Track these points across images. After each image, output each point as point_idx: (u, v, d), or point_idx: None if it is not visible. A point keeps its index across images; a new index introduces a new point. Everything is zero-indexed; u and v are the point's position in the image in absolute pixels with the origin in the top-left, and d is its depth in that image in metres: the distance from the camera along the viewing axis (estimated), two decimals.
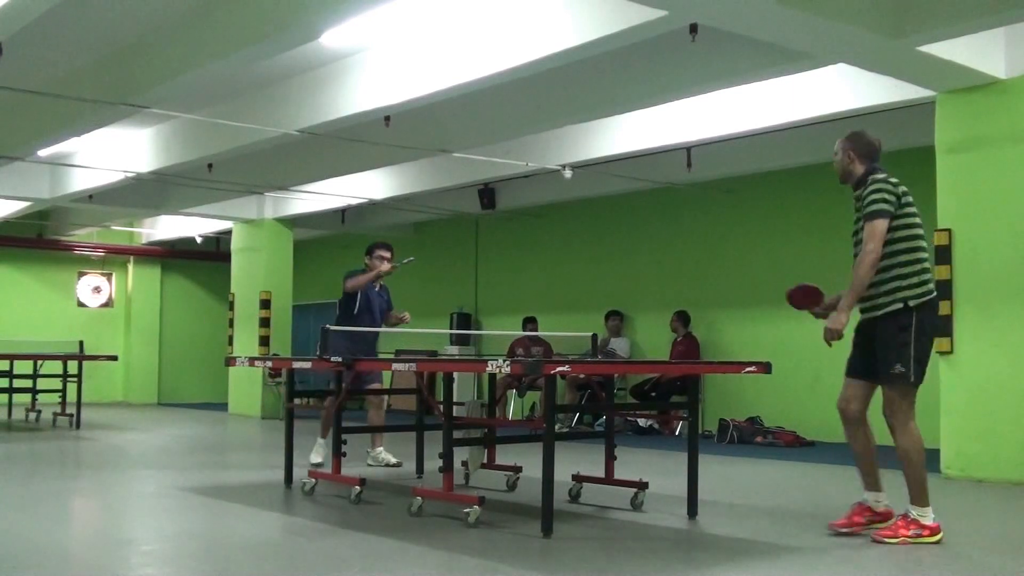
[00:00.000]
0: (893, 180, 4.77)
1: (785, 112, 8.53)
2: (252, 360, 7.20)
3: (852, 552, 4.61)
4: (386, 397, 8.00)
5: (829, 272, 11.19)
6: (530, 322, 13.09)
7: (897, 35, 6.32)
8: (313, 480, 6.29)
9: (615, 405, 7.50)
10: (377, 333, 7.89)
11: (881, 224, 4.63)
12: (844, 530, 4.86)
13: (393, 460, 7.78)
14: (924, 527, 4.62)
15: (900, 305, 4.47)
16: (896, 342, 4.50)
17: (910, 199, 4.74)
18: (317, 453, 7.76)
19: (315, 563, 4.30)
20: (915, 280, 4.60)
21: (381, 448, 7.87)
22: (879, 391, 4.80)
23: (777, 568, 4.30)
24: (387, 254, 8.02)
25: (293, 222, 15.17)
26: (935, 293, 4.60)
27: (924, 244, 4.69)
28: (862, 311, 4.87)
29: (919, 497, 4.65)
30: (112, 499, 6.48)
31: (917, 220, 4.73)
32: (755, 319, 11.43)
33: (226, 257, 16.15)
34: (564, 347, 12.28)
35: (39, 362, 12.35)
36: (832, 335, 4.85)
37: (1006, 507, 6.29)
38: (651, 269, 12.66)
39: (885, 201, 4.63)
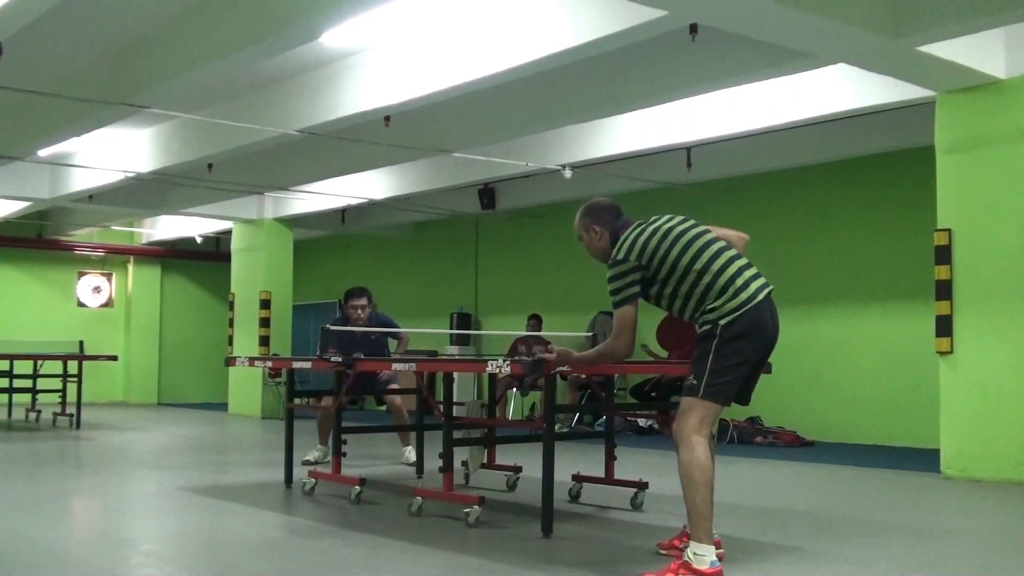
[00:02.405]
0: (635, 234, 4.08)
1: (785, 112, 8.53)
2: (252, 360, 7.20)
3: (852, 552, 4.61)
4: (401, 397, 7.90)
5: (829, 271, 11.25)
6: (533, 318, 13.07)
7: (897, 35, 6.32)
8: (313, 480, 6.29)
9: (615, 405, 7.49)
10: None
11: (628, 311, 4.01)
12: (663, 552, 4.39)
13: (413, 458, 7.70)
14: (698, 572, 3.72)
15: (709, 326, 3.94)
16: (696, 355, 3.97)
17: (661, 235, 4.05)
18: (312, 453, 7.76)
19: (315, 563, 4.30)
20: (720, 302, 3.96)
21: (410, 447, 7.79)
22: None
23: (777, 568, 4.30)
24: (362, 302, 7.83)
25: (293, 222, 15.17)
26: (748, 307, 3.93)
27: (714, 266, 4.00)
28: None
29: (697, 530, 3.79)
30: (112, 499, 6.48)
31: (689, 250, 4.02)
32: None
33: (226, 257, 16.16)
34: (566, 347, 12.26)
35: (39, 362, 12.35)
36: (552, 361, 4.40)
37: (1006, 507, 6.29)
38: None
39: (621, 279, 4.02)
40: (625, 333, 4.02)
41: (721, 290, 3.98)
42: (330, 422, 7.25)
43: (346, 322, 7.86)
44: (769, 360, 5.51)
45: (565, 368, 4.54)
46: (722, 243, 4.14)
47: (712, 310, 3.97)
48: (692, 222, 4.20)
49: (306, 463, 7.54)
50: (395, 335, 8.13)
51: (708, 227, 4.22)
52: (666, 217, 4.20)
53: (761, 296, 4.00)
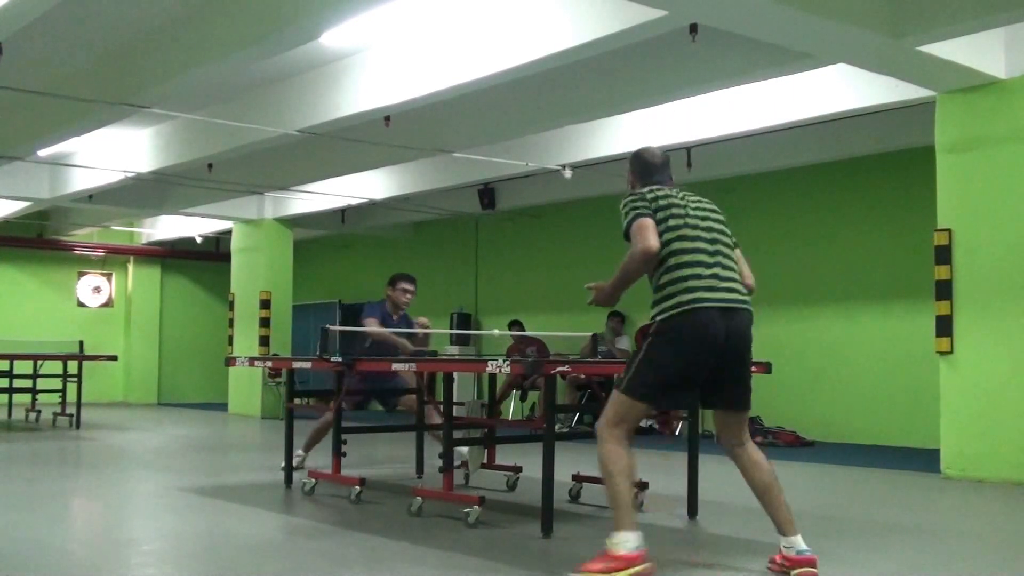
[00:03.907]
0: (651, 192, 4.08)
1: (785, 112, 8.53)
2: (252, 360, 7.20)
3: (852, 552, 4.61)
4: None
5: (829, 271, 11.24)
6: (515, 325, 13.09)
7: (897, 35, 6.32)
8: (313, 480, 6.29)
9: None
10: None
11: (642, 222, 3.94)
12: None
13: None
14: (616, 558, 3.75)
15: (650, 322, 3.96)
16: (635, 351, 3.96)
17: (674, 207, 4.03)
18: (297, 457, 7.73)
19: (315, 563, 4.30)
20: (670, 293, 3.95)
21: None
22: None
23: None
24: (411, 287, 7.73)
25: (293, 222, 15.17)
26: (691, 306, 3.89)
27: (685, 247, 3.98)
28: None
29: (617, 519, 3.83)
30: (112, 499, 6.48)
31: (679, 231, 4.00)
32: (755, 319, 11.42)
33: (226, 257, 16.16)
34: (564, 347, 12.27)
35: (39, 362, 12.34)
36: (594, 296, 4.29)
37: (1006, 507, 6.29)
38: None
39: (635, 208, 3.99)
40: (640, 233, 3.91)
41: (682, 282, 3.94)
42: (325, 434, 7.30)
43: (384, 306, 7.75)
44: (769, 360, 5.53)
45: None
46: (722, 244, 4.10)
47: (658, 301, 3.97)
48: (712, 212, 4.15)
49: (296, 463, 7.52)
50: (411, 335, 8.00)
51: (728, 241, 4.15)
52: (696, 197, 4.17)
53: (714, 303, 3.92)
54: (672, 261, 3.97)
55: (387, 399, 7.65)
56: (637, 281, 4.08)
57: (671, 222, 4.01)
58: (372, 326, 7.48)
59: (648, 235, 3.93)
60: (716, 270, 4.02)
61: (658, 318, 3.93)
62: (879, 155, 10.02)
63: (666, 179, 4.26)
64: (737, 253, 4.21)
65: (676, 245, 3.98)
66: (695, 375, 3.97)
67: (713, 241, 4.08)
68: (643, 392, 3.90)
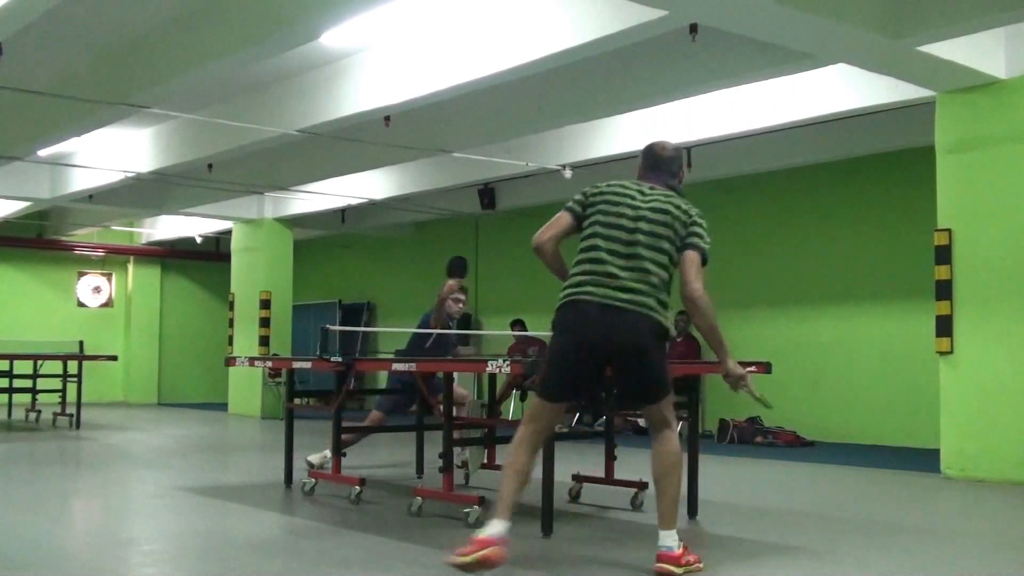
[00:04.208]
0: (596, 188, 4.15)
1: (785, 112, 8.53)
2: (252, 360, 7.20)
3: (852, 552, 4.61)
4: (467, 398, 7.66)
5: (829, 271, 11.24)
6: (517, 324, 13.08)
7: (897, 35, 6.32)
8: (313, 480, 6.29)
9: (615, 405, 7.49)
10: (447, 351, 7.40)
11: (557, 216, 4.13)
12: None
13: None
14: (476, 542, 3.75)
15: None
16: None
17: (607, 203, 4.06)
18: (315, 456, 7.73)
19: (315, 563, 4.30)
20: (569, 283, 4.05)
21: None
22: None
23: (778, 568, 4.30)
24: (463, 297, 7.49)
25: (293, 222, 15.17)
26: (572, 298, 3.96)
27: (596, 244, 4.01)
28: None
29: (495, 504, 3.90)
30: (112, 499, 6.48)
31: (594, 227, 4.05)
32: (755, 319, 11.44)
33: (226, 257, 16.15)
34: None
35: (39, 362, 12.34)
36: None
37: (1006, 507, 6.29)
38: None
39: (572, 201, 4.14)
40: (545, 227, 4.14)
41: (579, 272, 4.02)
42: (368, 433, 7.31)
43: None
44: (769, 360, 5.53)
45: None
46: (643, 245, 3.99)
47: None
48: (658, 212, 4.03)
49: (310, 465, 7.51)
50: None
51: (663, 231, 4.02)
52: (654, 194, 4.10)
53: (594, 298, 3.93)
54: (578, 256, 4.09)
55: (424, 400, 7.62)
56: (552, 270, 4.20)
57: (594, 216, 4.08)
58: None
59: (543, 230, 4.12)
60: (612, 268, 3.97)
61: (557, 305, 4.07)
62: (879, 155, 10.02)
63: (658, 177, 4.20)
64: (687, 255, 4.03)
65: (586, 242, 4.07)
66: (574, 368, 4.01)
67: (631, 243, 3.99)
68: (544, 386, 4.04)
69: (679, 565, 3.96)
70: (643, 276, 3.97)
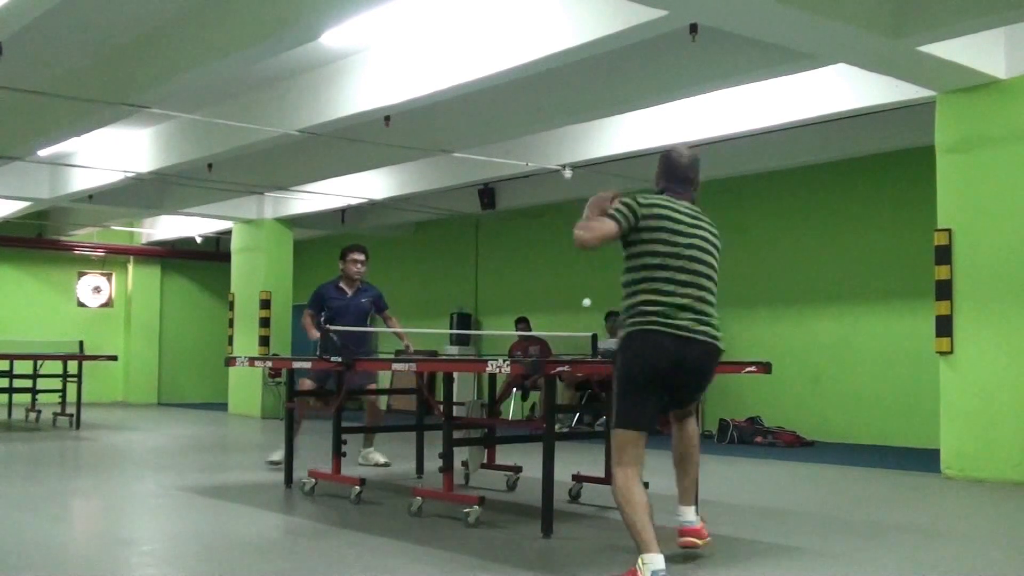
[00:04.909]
0: (650, 199, 4.08)
1: (785, 112, 8.53)
2: (252, 360, 7.20)
3: (852, 552, 4.61)
4: (384, 396, 7.93)
5: (829, 271, 11.24)
6: (521, 322, 13.08)
7: (897, 35, 6.32)
8: (313, 480, 6.29)
9: None
10: (362, 336, 7.68)
11: (608, 224, 3.93)
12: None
13: (383, 460, 7.77)
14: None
15: (620, 337, 3.97)
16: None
17: (668, 223, 4.01)
18: (277, 452, 7.78)
19: (315, 563, 4.30)
20: (631, 311, 3.98)
21: (371, 448, 7.87)
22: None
23: (777, 568, 4.30)
24: (360, 256, 7.93)
25: (293, 222, 15.17)
26: (657, 327, 3.89)
27: (668, 275, 3.95)
28: None
29: (638, 545, 3.79)
30: (112, 499, 6.48)
31: (663, 250, 3.97)
32: (755, 319, 11.44)
33: (226, 257, 16.15)
34: (565, 347, 12.28)
35: (39, 362, 12.34)
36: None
37: (1006, 507, 6.29)
38: None
39: (618, 210, 3.97)
40: (591, 229, 3.92)
41: (642, 302, 3.93)
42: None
43: (331, 287, 7.96)
44: (769, 360, 5.53)
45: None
46: (704, 271, 4.03)
47: (626, 309, 3.99)
48: (704, 235, 4.09)
49: (272, 464, 7.58)
50: (385, 316, 8.09)
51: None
52: (690, 209, 4.13)
53: (680, 331, 3.90)
54: (645, 281, 3.95)
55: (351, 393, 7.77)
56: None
57: (653, 239, 3.97)
58: (307, 319, 7.78)
59: (591, 231, 3.91)
60: (687, 299, 3.96)
61: (620, 333, 4.02)
62: (879, 155, 10.02)
63: (687, 191, 4.22)
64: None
65: (655, 271, 3.95)
66: (664, 396, 4.02)
67: (698, 274, 4.01)
68: (625, 420, 3.94)
69: (700, 538, 4.27)
70: (712, 307, 4.06)
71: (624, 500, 3.85)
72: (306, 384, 7.60)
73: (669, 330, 3.90)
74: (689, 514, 4.37)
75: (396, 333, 7.90)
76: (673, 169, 4.24)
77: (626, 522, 3.85)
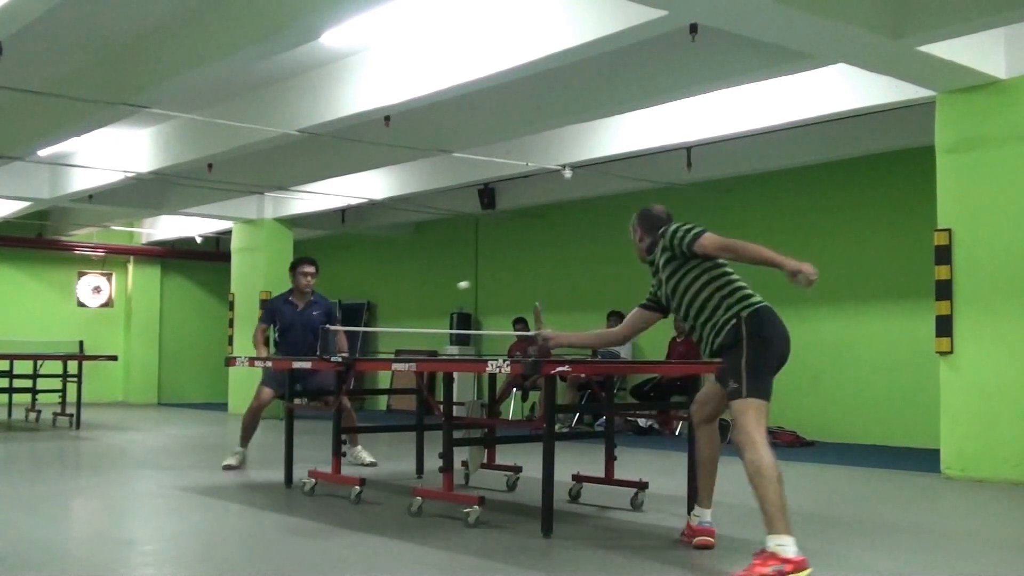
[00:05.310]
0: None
1: (785, 112, 8.53)
2: (252, 360, 7.20)
3: (852, 552, 4.61)
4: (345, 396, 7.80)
5: (829, 271, 11.21)
6: (520, 323, 13.08)
7: (897, 35, 6.32)
8: (313, 480, 6.29)
9: (615, 405, 7.49)
10: (309, 347, 7.62)
11: (711, 235, 4.30)
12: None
13: (369, 459, 7.75)
14: (786, 560, 3.83)
15: (733, 321, 4.16)
16: (729, 358, 4.17)
17: None
18: (233, 457, 7.76)
19: (315, 563, 4.30)
20: (738, 296, 4.28)
21: (358, 447, 7.86)
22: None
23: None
24: (310, 268, 7.93)
25: (293, 222, 15.17)
26: (762, 304, 4.27)
27: (734, 276, 4.39)
28: (708, 352, 4.45)
29: (775, 523, 3.91)
30: (112, 499, 6.47)
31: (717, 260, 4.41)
32: None
33: (226, 257, 16.15)
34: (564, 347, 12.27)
35: (39, 362, 12.34)
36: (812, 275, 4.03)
37: (1006, 507, 6.29)
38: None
39: (694, 227, 4.35)
40: (725, 240, 4.25)
41: (741, 287, 4.34)
42: (255, 420, 7.80)
43: (281, 300, 8.01)
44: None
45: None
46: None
47: (728, 296, 4.27)
48: None
49: (227, 468, 7.58)
50: (333, 327, 8.03)
51: None
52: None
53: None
54: (727, 273, 4.38)
55: (311, 395, 7.88)
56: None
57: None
58: (258, 335, 7.93)
59: (731, 241, 4.26)
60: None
61: (742, 314, 4.21)
62: (879, 155, 10.02)
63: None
64: None
65: (725, 266, 4.40)
66: (777, 362, 4.32)
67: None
68: (758, 390, 4.14)
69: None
70: None
71: (769, 478, 3.94)
72: (266, 392, 7.71)
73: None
74: (707, 515, 4.62)
75: (338, 344, 7.82)
76: (659, 219, 4.65)
77: (766, 500, 3.93)
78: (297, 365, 6.76)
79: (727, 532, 5.08)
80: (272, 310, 7.99)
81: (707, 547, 4.53)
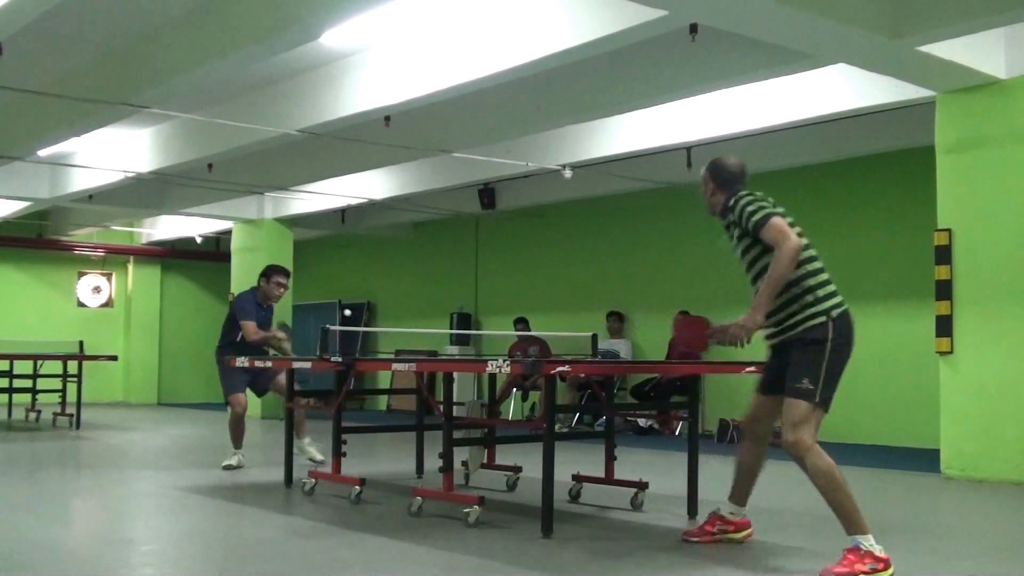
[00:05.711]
0: (762, 195, 4.45)
1: (785, 112, 8.53)
2: (252, 360, 7.20)
3: None
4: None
5: (830, 271, 11.21)
6: (520, 322, 13.09)
7: (897, 35, 6.32)
8: (313, 480, 6.29)
9: (615, 405, 7.49)
10: (260, 347, 7.90)
11: (778, 221, 4.17)
12: (695, 539, 4.66)
13: (319, 456, 7.67)
14: (878, 559, 3.90)
15: (823, 318, 4.09)
16: (808, 355, 4.10)
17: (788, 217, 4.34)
18: (233, 457, 7.75)
19: (315, 563, 4.30)
20: (828, 290, 4.21)
21: (307, 439, 7.82)
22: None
23: (777, 568, 4.30)
24: (285, 281, 8.13)
25: (293, 222, 15.16)
26: (846, 307, 4.22)
27: (815, 261, 4.30)
28: (772, 335, 4.36)
29: (859, 523, 3.95)
30: (112, 499, 6.48)
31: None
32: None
33: (226, 257, 16.15)
34: (564, 347, 12.28)
35: (39, 362, 12.34)
36: (744, 332, 4.14)
37: (1006, 507, 6.29)
38: (651, 269, 12.66)
39: (762, 208, 4.26)
40: (787, 235, 4.11)
41: (828, 281, 4.21)
42: (241, 425, 7.77)
43: (255, 296, 8.11)
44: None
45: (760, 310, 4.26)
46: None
47: (816, 288, 4.19)
48: None
49: (227, 468, 7.57)
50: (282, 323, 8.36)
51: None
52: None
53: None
54: (813, 263, 4.22)
55: (258, 387, 7.96)
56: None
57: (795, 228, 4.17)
58: (250, 326, 7.84)
59: (791, 233, 4.14)
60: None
61: (833, 313, 4.16)
62: (879, 155, 10.02)
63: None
64: None
65: (808, 251, 4.21)
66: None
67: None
68: (827, 399, 4.15)
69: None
70: None
71: (836, 484, 3.95)
72: (239, 399, 7.76)
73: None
74: (742, 512, 4.70)
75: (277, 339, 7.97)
76: (734, 173, 4.60)
77: (839, 504, 3.95)
78: (297, 365, 6.76)
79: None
80: (253, 306, 8.02)
81: (748, 538, 4.65)
